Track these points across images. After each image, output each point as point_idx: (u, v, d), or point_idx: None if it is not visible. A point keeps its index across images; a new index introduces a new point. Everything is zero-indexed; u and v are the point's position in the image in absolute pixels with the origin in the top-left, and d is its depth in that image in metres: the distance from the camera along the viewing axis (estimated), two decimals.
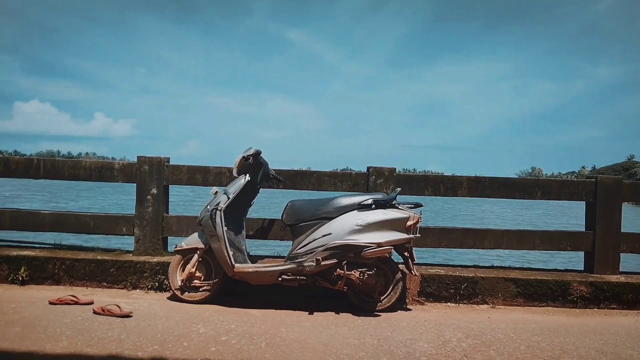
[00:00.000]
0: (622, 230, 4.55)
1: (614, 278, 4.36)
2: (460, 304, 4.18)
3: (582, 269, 4.65)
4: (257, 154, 3.89)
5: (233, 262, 3.68)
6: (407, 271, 3.87)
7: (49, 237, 4.89)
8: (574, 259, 8.10)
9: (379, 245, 3.64)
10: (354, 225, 3.69)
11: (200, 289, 3.86)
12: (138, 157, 4.49)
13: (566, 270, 4.66)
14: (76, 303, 3.58)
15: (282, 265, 3.74)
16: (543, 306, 4.21)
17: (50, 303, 3.59)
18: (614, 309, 4.22)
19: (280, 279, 3.71)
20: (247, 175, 3.88)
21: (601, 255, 4.49)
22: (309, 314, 3.68)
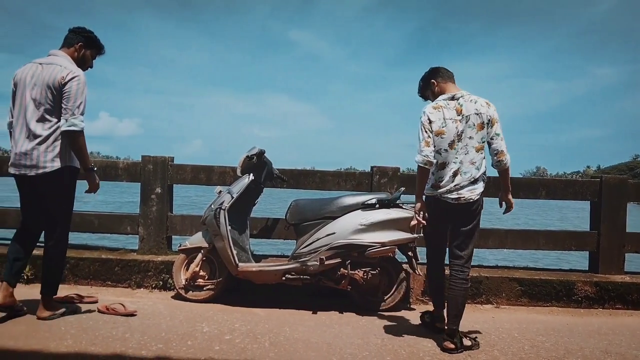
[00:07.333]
0: (627, 230, 4.53)
1: (618, 278, 4.34)
2: None
3: (587, 269, 4.63)
4: (261, 153, 3.90)
5: (237, 261, 3.69)
6: (411, 271, 3.86)
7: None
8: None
9: (383, 244, 3.64)
10: (357, 224, 3.69)
11: (204, 288, 3.86)
12: (142, 156, 4.50)
13: (571, 270, 4.64)
14: (81, 302, 3.59)
15: (286, 264, 3.75)
16: (547, 306, 4.19)
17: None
18: (618, 309, 4.20)
19: (284, 278, 3.71)
20: (251, 174, 3.89)
21: (606, 255, 4.47)
22: (312, 313, 3.68)
